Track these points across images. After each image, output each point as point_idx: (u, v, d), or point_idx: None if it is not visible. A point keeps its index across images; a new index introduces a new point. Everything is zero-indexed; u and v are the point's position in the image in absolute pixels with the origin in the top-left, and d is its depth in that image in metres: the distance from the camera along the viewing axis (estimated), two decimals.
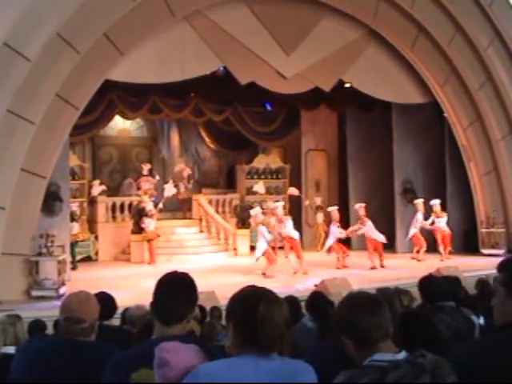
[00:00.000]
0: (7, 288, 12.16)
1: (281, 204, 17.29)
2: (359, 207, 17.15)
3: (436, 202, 17.69)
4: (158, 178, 20.00)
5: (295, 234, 16.07)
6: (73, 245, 16.36)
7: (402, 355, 2.45)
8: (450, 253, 17.57)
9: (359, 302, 2.57)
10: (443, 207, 18.26)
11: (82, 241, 17.46)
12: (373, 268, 16.14)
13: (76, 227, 16.88)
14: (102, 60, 13.24)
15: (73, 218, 16.55)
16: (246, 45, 15.21)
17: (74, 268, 15.99)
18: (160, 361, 2.49)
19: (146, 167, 20.03)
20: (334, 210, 17.34)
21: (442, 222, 17.61)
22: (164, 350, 2.51)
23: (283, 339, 2.46)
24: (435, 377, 2.25)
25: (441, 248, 17.47)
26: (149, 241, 17.57)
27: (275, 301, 2.49)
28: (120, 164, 21.19)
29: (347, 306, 2.59)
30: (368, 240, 16.70)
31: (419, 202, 17.87)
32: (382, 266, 16.36)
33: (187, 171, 21.14)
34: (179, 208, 20.68)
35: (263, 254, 15.21)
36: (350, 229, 17.44)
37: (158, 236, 17.85)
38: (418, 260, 17.20)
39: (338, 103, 19.47)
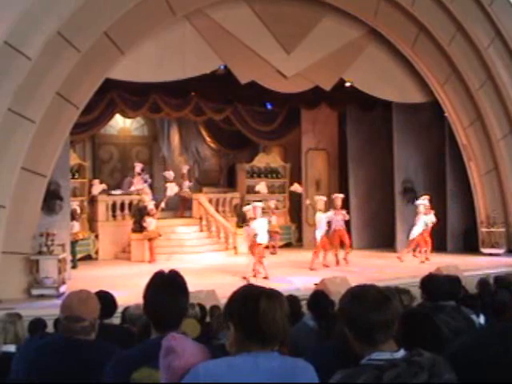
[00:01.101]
0: (7, 286, 12.16)
1: (257, 204, 15.99)
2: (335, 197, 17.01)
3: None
4: (149, 180, 19.96)
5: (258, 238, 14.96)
6: (73, 244, 16.36)
7: (400, 354, 2.43)
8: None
9: (368, 296, 2.51)
10: (443, 206, 18.27)
11: (82, 239, 17.46)
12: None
13: (76, 226, 16.88)
14: (103, 59, 13.23)
15: (73, 217, 16.55)
16: (247, 44, 15.21)
17: (74, 267, 15.99)
18: (166, 348, 2.50)
19: (138, 166, 19.97)
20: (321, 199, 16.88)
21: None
22: (171, 339, 2.52)
23: (285, 334, 2.47)
24: (432, 375, 2.25)
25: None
26: (150, 240, 17.59)
27: (275, 296, 2.50)
28: (120, 163, 21.20)
29: (355, 299, 2.54)
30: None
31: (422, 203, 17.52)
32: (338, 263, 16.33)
33: (186, 168, 21.10)
34: (179, 207, 20.66)
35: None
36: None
37: (160, 235, 17.86)
38: (422, 261, 16.88)
39: (338, 102, 19.46)
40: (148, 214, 17.75)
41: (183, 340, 2.54)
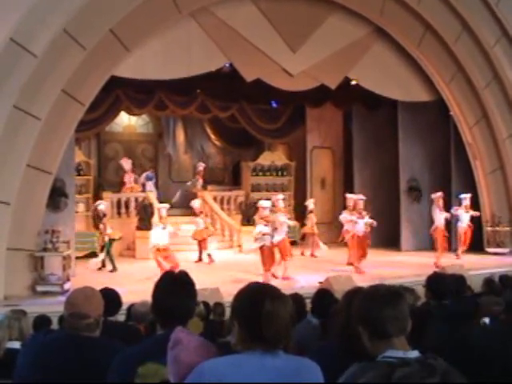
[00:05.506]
0: (12, 283, 12.20)
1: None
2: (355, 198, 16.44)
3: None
4: (154, 178, 20.00)
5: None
6: (108, 245, 15.72)
7: (414, 354, 2.44)
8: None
9: (379, 293, 2.57)
10: (449, 205, 18.22)
11: (118, 239, 16.56)
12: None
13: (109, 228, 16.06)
14: (108, 56, 13.25)
15: (100, 218, 16.17)
16: (252, 42, 15.19)
17: (113, 270, 15.35)
18: (174, 340, 2.52)
19: (126, 163, 19.88)
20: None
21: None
22: (179, 331, 2.56)
23: (289, 335, 2.45)
24: (445, 379, 2.21)
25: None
26: None
27: (280, 297, 2.48)
28: None
29: (366, 297, 2.60)
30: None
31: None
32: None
33: (201, 166, 21.11)
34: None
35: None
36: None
37: None
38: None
39: (343, 101, 19.43)
40: None
41: (190, 334, 2.57)
